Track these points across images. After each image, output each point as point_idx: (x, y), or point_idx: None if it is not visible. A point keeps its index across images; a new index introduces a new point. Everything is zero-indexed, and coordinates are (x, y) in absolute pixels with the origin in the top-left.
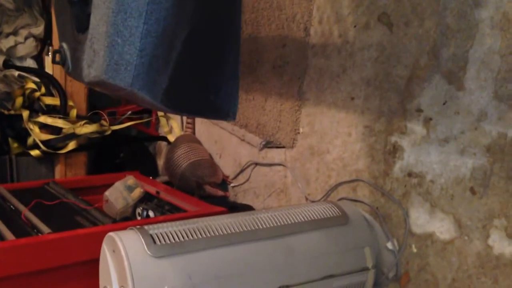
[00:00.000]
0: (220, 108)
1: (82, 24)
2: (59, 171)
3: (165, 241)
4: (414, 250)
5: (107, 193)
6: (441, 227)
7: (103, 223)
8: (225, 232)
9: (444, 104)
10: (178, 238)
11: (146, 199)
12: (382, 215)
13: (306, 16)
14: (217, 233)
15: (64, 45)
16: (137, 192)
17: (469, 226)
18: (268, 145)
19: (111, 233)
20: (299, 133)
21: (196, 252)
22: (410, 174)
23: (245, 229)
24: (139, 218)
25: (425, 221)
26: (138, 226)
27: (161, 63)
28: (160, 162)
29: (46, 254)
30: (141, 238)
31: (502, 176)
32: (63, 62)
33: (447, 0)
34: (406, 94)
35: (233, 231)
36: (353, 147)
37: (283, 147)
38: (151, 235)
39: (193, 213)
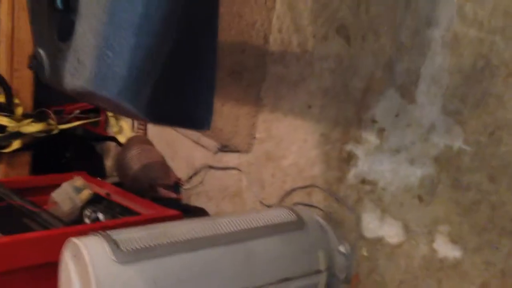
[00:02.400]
0: (197, 118)
1: (64, 32)
2: (2, 171)
3: (130, 246)
4: (365, 253)
5: (54, 194)
6: (391, 232)
7: (53, 226)
8: (188, 238)
9: (396, 116)
10: (143, 244)
11: (95, 200)
12: (336, 220)
13: (265, 24)
14: (180, 239)
15: (41, 51)
16: (86, 194)
17: (416, 231)
18: (224, 149)
19: (73, 239)
20: (255, 138)
21: (160, 257)
22: (363, 181)
23: (207, 234)
24: (87, 220)
25: (376, 226)
26: (101, 232)
27: (147, 76)
28: (108, 162)
29: None
30: (106, 243)
31: (447, 185)
32: (38, 68)
33: (402, 18)
34: (361, 105)
35: (195, 236)
36: (309, 153)
37: (239, 151)
38: (115, 241)
39: (148, 216)
